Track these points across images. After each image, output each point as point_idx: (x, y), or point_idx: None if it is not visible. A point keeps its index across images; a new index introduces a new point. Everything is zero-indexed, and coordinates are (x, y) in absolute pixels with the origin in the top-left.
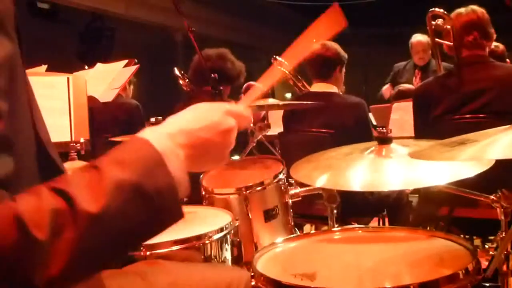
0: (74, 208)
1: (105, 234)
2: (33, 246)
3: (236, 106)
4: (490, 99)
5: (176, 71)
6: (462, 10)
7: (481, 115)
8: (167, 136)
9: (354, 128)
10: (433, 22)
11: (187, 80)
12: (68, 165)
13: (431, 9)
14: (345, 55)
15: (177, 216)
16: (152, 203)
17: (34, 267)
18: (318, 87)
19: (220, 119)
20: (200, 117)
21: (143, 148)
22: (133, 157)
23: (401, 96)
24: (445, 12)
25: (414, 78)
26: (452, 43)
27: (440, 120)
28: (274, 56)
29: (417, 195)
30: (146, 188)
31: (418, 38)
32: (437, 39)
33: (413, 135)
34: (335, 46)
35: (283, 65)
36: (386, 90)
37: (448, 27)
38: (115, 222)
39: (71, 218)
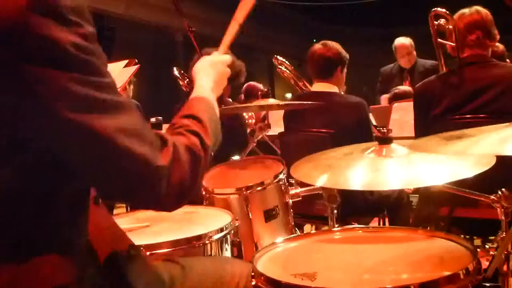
0: (204, 144)
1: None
2: (200, 160)
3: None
4: (490, 99)
5: (176, 71)
6: (466, 10)
7: (481, 115)
8: (210, 91)
9: (355, 128)
10: (435, 22)
11: (186, 80)
12: None
13: (433, 9)
14: (346, 55)
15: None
16: (219, 124)
17: (203, 167)
18: (318, 86)
19: (220, 57)
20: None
21: (208, 102)
22: (206, 107)
23: (397, 98)
24: (447, 12)
25: (404, 82)
26: (454, 44)
27: (440, 120)
28: (275, 56)
29: (417, 195)
30: (216, 119)
31: (401, 41)
32: (439, 40)
33: (413, 135)
34: (337, 46)
35: (283, 64)
36: (384, 100)
37: (451, 27)
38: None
39: (204, 146)
